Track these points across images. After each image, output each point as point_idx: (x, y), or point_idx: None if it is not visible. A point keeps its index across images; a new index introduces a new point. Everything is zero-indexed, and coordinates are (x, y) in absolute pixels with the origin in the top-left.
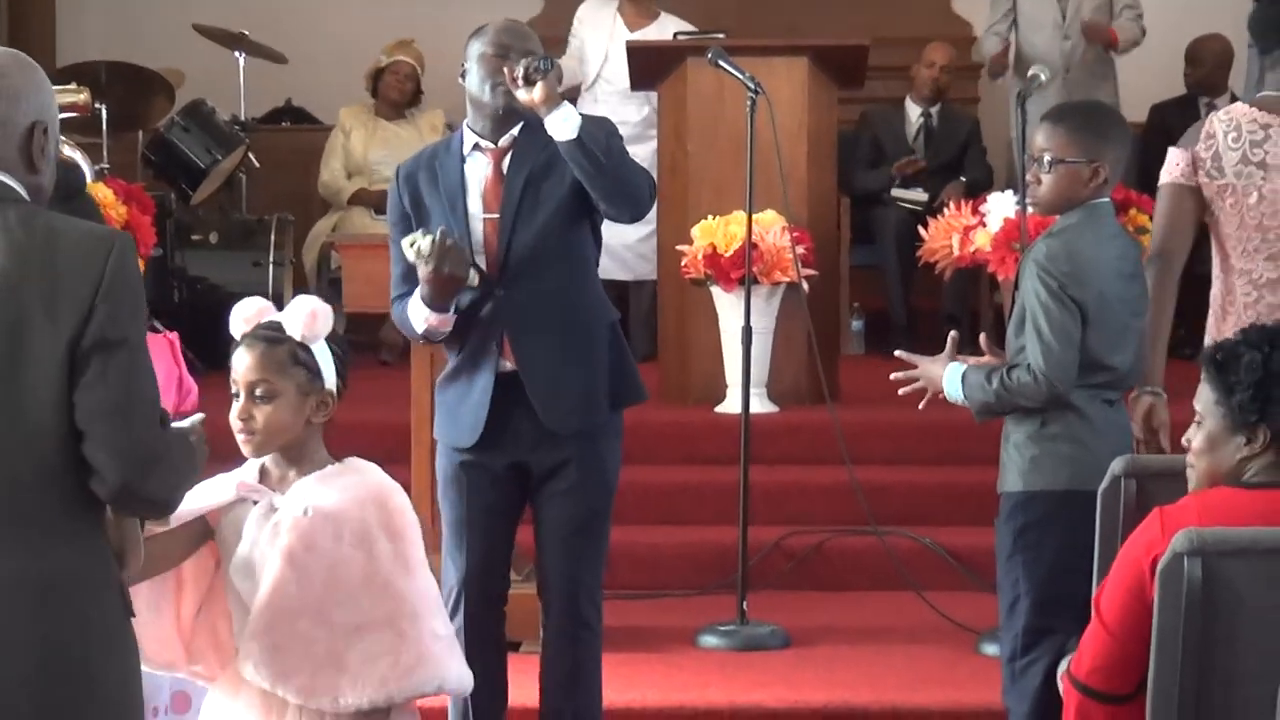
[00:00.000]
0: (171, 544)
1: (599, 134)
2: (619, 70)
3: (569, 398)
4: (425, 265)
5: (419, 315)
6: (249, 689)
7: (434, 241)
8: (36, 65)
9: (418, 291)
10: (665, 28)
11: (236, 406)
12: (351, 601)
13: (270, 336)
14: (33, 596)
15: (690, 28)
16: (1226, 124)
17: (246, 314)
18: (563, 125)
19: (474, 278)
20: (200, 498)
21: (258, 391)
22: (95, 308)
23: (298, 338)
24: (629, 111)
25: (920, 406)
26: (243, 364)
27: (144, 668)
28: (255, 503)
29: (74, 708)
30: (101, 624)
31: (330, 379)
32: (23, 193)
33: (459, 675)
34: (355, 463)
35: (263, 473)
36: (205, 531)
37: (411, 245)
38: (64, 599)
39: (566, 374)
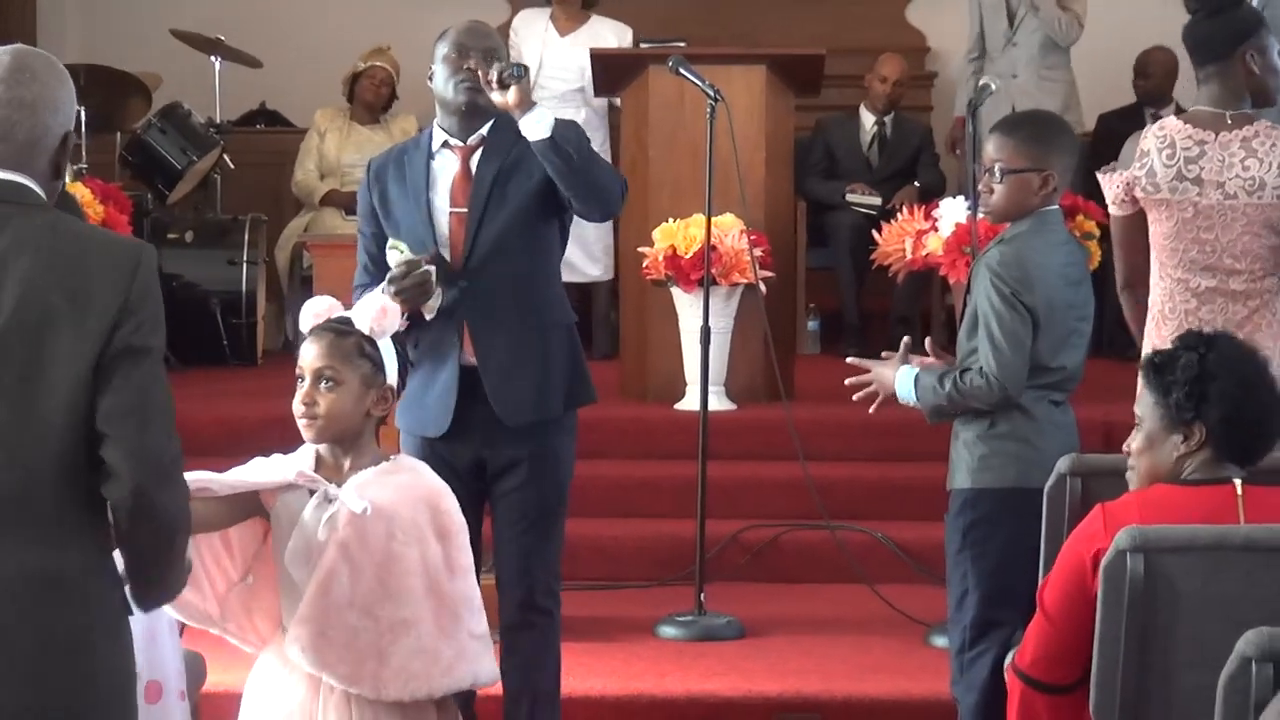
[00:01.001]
0: (222, 509)
1: (571, 134)
2: (554, 75)
3: (523, 391)
4: (393, 285)
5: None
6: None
7: (410, 272)
8: (67, 72)
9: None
10: (596, 30)
11: (301, 392)
12: (399, 598)
13: (339, 328)
14: (42, 590)
15: (625, 29)
16: (1160, 140)
17: (317, 310)
18: (537, 126)
19: (432, 310)
20: (256, 473)
21: (323, 378)
22: (124, 316)
23: (365, 331)
24: (566, 114)
25: (871, 410)
26: (310, 352)
27: (176, 615)
28: (312, 492)
29: (74, 699)
30: (103, 620)
31: (392, 375)
32: (45, 199)
33: (490, 672)
34: (406, 460)
35: (317, 460)
36: (256, 506)
37: (398, 252)
38: (70, 594)
39: (522, 368)
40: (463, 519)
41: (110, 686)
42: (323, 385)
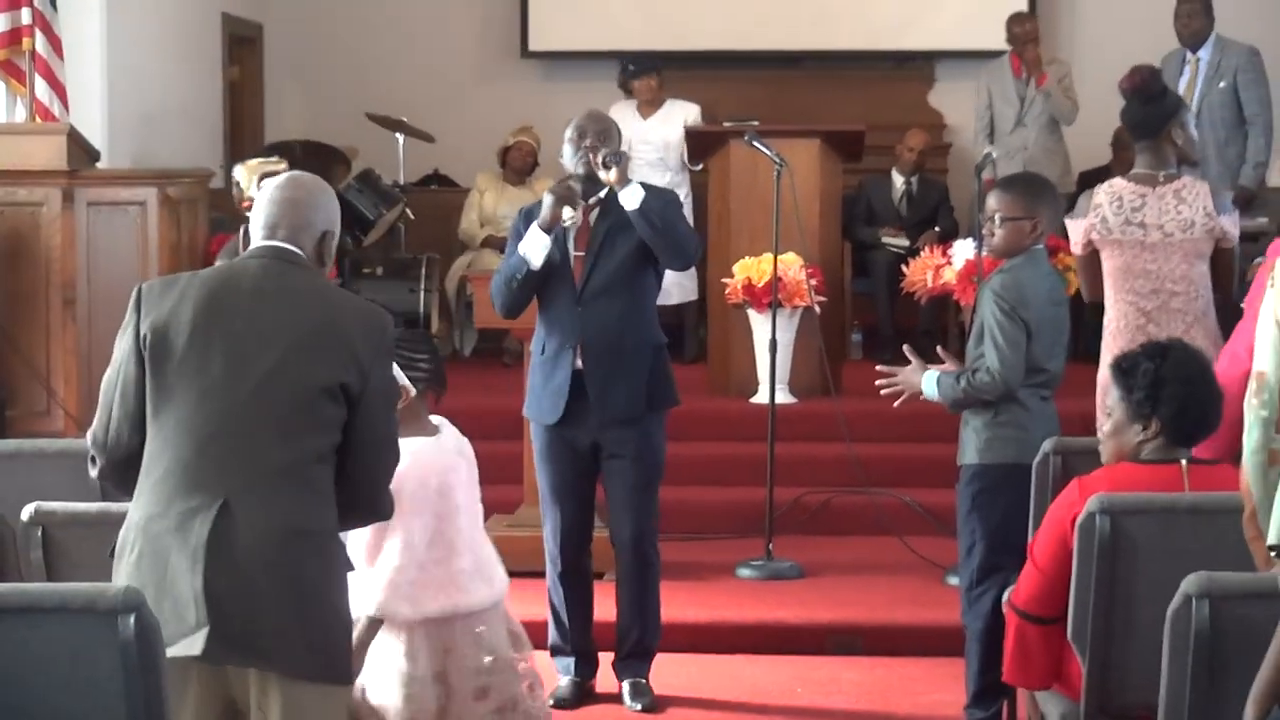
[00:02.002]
0: None
1: (658, 204)
2: (640, 149)
3: (617, 395)
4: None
5: (529, 244)
6: None
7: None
8: (329, 188)
9: (535, 226)
10: (670, 111)
11: None
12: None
13: None
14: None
15: (692, 108)
16: (1109, 195)
17: None
18: (631, 198)
19: (568, 219)
20: None
21: None
22: (374, 365)
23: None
24: (654, 178)
25: (896, 405)
26: None
27: None
28: None
29: (324, 628)
30: (341, 566)
31: (404, 382)
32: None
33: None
34: (444, 438)
35: None
36: None
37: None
38: (325, 548)
39: (616, 378)
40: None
41: (343, 619)
42: None
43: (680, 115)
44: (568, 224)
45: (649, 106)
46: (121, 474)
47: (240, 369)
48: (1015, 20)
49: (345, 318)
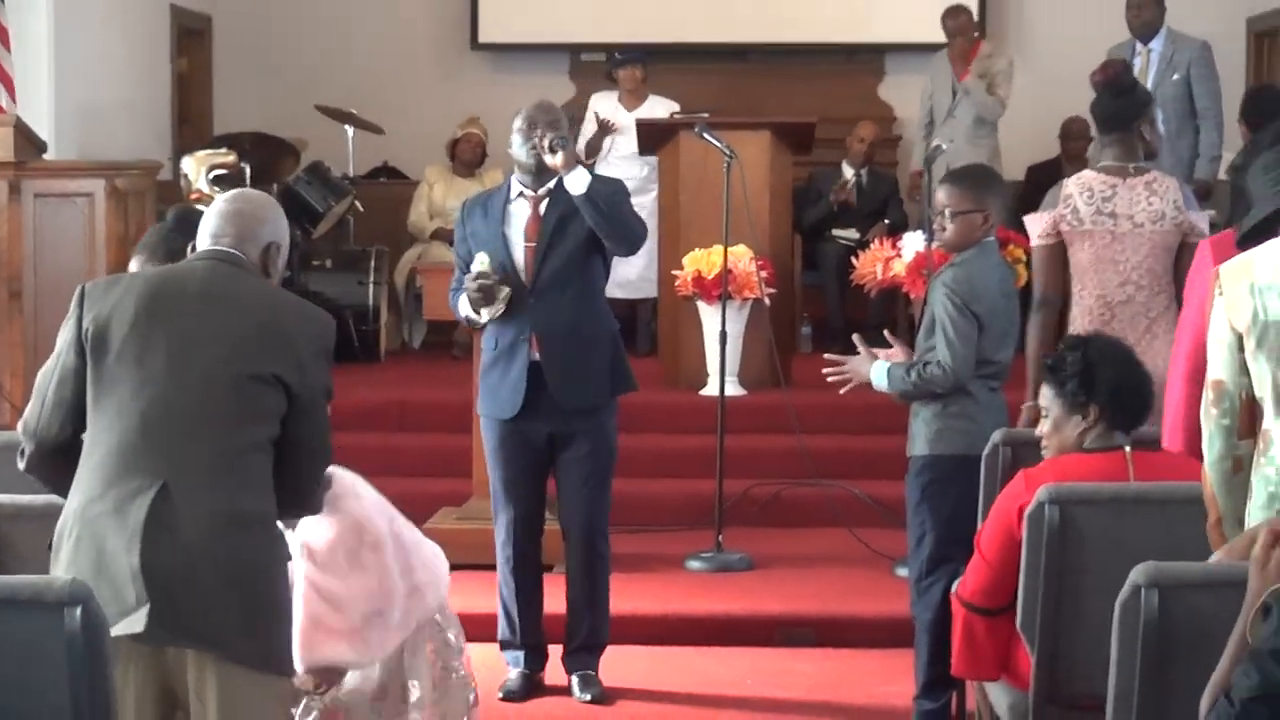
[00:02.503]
0: None
1: (605, 190)
2: (623, 141)
3: (577, 382)
4: (471, 283)
5: (468, 309)
6: None
7: (486, 282)
8: (278, 205)
9: (463, 300)
10: (654, 106)
11: None
12: None
13: None
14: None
15: (673, 105)
16: (1079, 186)
17: None
18: (576, 183)
19: (497, 311)
20: None
21: None
22: (313, 364)
23: None
24: (634, 170)
25: (842, 392)
26: None
27: None
28: None
29: (263, 615)
30: (280, 554)
31: None
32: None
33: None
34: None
35: None
36: None
37: (479, 263)
38: (265, 535)
39: (576, 367)
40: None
41: (282, 608)
42: None
43: (663, 110)
44: (485, 321)
45: (632, 98)
46: (49, 465)
47: (182, 359)
48: (949, 14)
49: (289, 318)
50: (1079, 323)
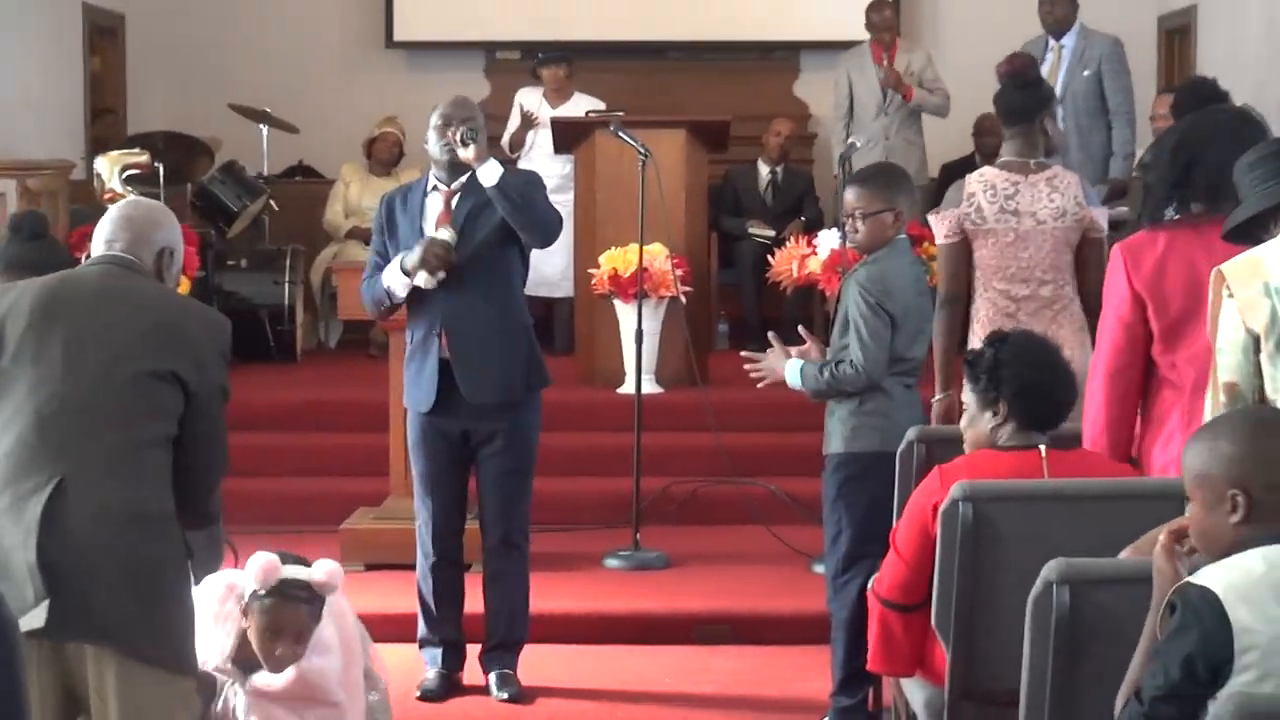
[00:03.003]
0: None
1: (517, 182)
2: (546, 138)
3: (489, 378)
4: (434, 246)
5: (393, 278)
6: None
7: (443, 253)
8: (171, 213)
9: (400, 261)
10: (579, 104)
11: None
12: None
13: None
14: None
15: (599, 104)
16: (982, 184)
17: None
18: (488, 175)
19: (432, 283)
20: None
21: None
22: (210, 363)
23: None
24: (555, 168)
25: (759, 386)
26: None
27: None
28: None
29: (164, 611)
30: (180, 551)
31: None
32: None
33: None
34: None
35: None
36: None
37: (447, 236)
38: (162, 530)
39: (488, 361)
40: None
41: (182, 603)
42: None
43: (586, 108)
44: (408, 291)
45: (556, 95)
46: None
47: (79, 356)
48: (873, 8)
49: (186, 318)
50: (982, 318)
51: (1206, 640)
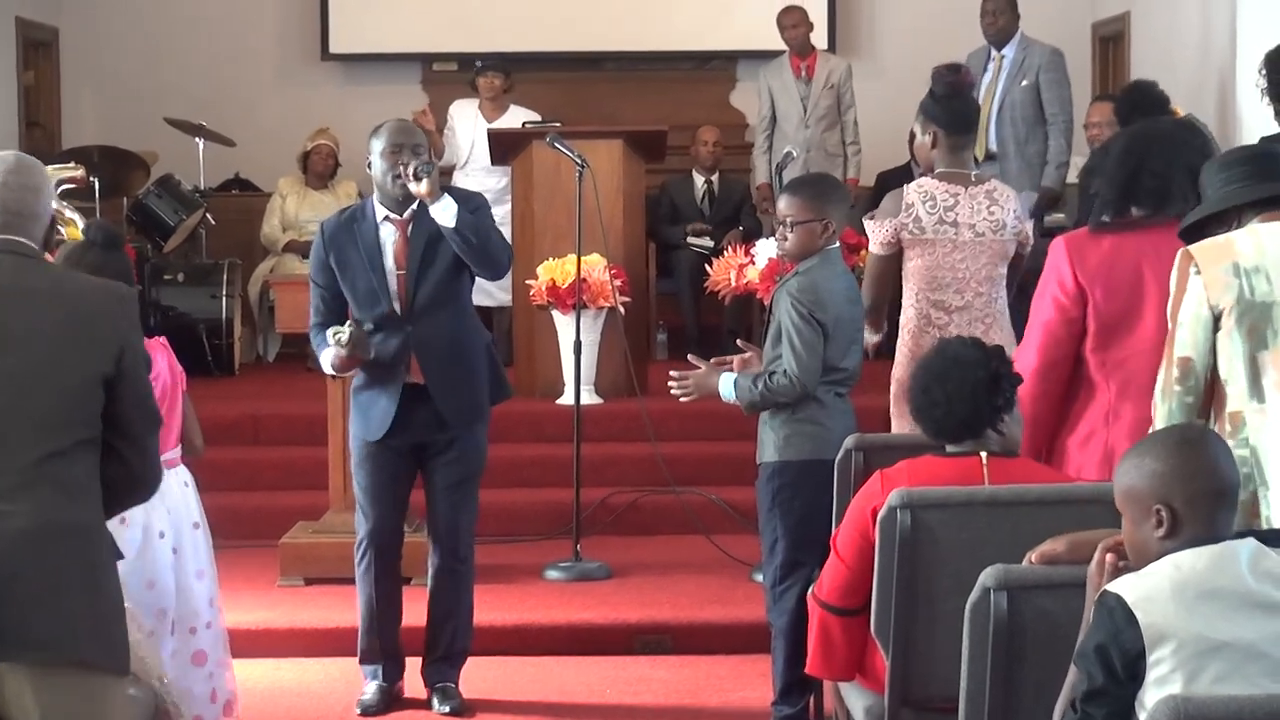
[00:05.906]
0: None
1: (472, 219)
2: (483, 151)
3: (461, 399)
4: (343, 349)
5: (328, 364)
6: None
7: (351, 334)
8: (40, 164)
9: (328, 355)
10: (515, 116)
11: None
12: None
13: None
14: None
15: (535, 116)
16: (920, 194)
17: None
18: (444, 214)
19: (369, 355)
20: None
21: None
22: (129, 339)
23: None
24: (492, 181)
25: (683, 401)
26: None
27: None
28: None
29: (96, 615)
30: (109, 556)
31: None
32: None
33: None
34: None
35: None
36: None
37: (335, 335)
38: (89, 540)
39: (457, 383)
40: None
41: (113, 602)
42: None
43: (523, 120)
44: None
45: (492, 106)
46: None
47: None
48: (784, 13)
49: (92, 303)
50: (915, 325)
51: (1117, 637)
